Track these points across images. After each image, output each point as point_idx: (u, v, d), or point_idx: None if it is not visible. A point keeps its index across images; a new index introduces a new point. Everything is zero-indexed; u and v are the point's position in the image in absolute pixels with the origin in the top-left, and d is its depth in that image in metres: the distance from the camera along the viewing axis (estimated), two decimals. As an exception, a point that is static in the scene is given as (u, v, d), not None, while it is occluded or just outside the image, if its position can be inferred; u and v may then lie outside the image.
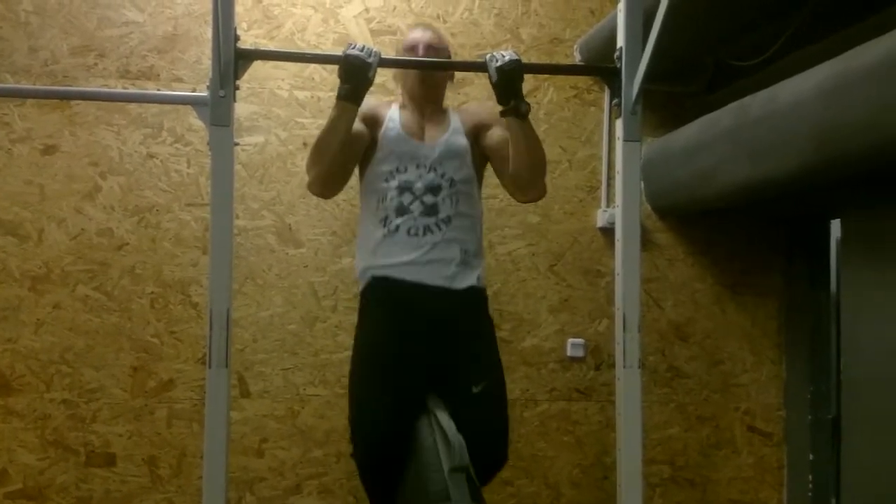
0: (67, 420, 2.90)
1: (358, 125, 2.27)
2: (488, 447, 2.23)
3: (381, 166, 2.31)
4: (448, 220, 2.26)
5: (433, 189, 2.27)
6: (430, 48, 2.38)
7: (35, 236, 2.91)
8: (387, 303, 2.27)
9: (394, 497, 2.19)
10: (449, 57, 2.51)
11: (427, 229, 2.24)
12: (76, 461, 2.90)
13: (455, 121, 2.39)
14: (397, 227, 2.25)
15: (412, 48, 2.39)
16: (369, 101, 2.29)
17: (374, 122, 2.35)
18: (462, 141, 2.36)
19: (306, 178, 2.98)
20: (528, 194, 2.36)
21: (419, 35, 2.42)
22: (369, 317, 2.31)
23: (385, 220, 2.27)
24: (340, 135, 2.19)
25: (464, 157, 2.34)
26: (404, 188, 2.27)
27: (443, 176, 2.29)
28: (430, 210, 2.26)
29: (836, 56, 2.16)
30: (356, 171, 2.41)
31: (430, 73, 2.37)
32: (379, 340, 2.26)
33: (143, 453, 2.93)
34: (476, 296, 2.32)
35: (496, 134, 2.36)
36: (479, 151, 2.40)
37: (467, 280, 2.27)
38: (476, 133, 2.39)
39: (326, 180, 2.31)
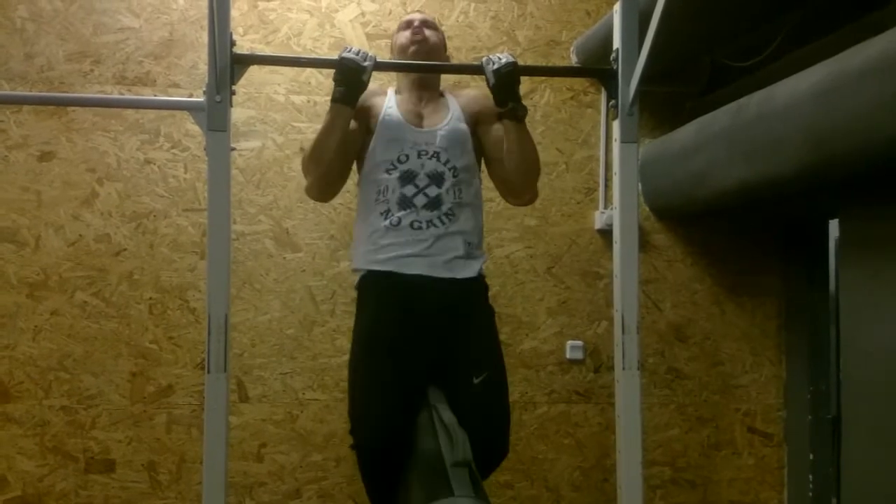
0: (66, 426, 2.90)
1: (351, 123, 2.23)
2: (489, 440, 2.18)
3: (381, 155, 2.24)
4: (452, 213, 2.21)
5: (436, 179, 2.21)
6: (426, 23, 2.37)
7: (32, 243, 2.91)
8: (385, 295, 2.21)
9: (395, 492, 2.17)
10: (443, 36, 2.47)
11: (430, 223, 2.19)
12: (75, 468, 2.89)
13: (454, 106, 2.35)
14: (399, 220, 2.19)
15: (408, 23, 2.37)
16: (371, 97, 2.29)
17: (367, 112, 2.30)
18: (463, 127, 2.30)
19: (303, 183, 3.01)
20: (519, 198, 2.34)
21: (415, 14, 2.43)
22: (367, 309, 2.25)
23: (387, 213, 2.20)
24: (336, 138, 2.17)
25: (465, 144, 2.29)
26: (406, 178, 2.21)
27: (446, 163, 2.23)
28: (434, 203, 2.20)
29: (832, 56, 2.16)
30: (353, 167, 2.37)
31: (426, 50, 2.32)
32: (377, 334, 2.19)
33: (142, 459, 2.92)
34: (476, 285, 2.27)
35: (494, 131, 2.32)
36: (477, 141, 2.35)
37: (469, 271, 2.23)
38: (475, 122, 2.35)
39: (324, 184, 2.28)
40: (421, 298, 2.18)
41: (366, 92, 2.25)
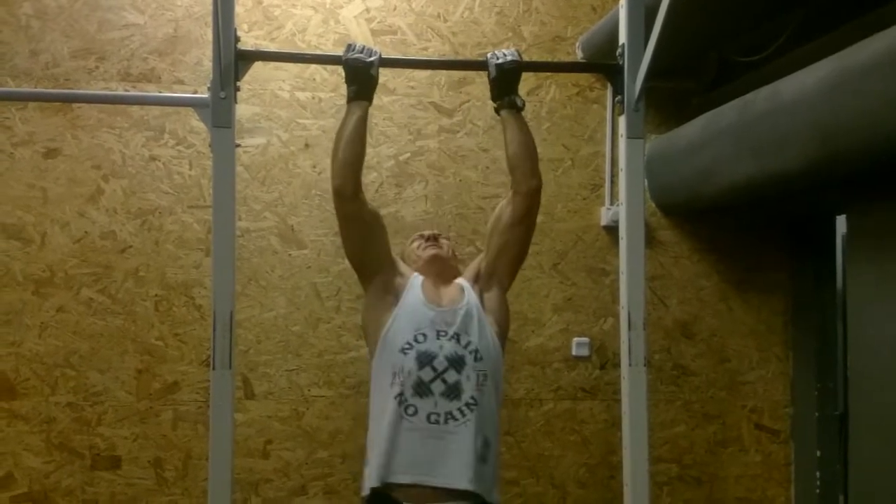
0: (72, 423, 2.90)
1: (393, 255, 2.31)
2: None
3: (397, 334, 2.14)
4: (473, 405, 2.06)
5: (456, 363, 2.08)
6: (436, 235, 2.45)
7: (38, 240, 2.91)
8: None
9: None
10: (453, 249, 2.49)
11: (449, 416, 2.04)
12: (81, 464, 2.90)
13: (468, 288, 2.28)
14: (416, 410, 2.04)
15: (420, 235, 2.45)
16: (401, 264, 2.33)
17: (401, 274, 2.29)
18: (475, 297, 2.25)
19: (308, 179, 3.03)
20: (530, 182, 2.25)
21: (425, 231, 2.51)
22: None
23: (401, 398, 2.05)
24: (355, 125, 2.18)
25: (482, 319, 2.20)
26: (424, 361, 2.08)
27: (466, 346, 2.11)
28: (453, 391, 2.06)
29: (839, 51, 2.15)
30: (366, 331, 2.31)
31: (438, 259, 2.35)
32: None
33: (148, 456, 2.92)
34: None
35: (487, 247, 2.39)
36: (492, 296, 2.30)
37: (482, 485, 2.04)
38: (476, 274, 2.35)
39: (342, 167, 2.18)
40: None
41: (400, 267, 2.31)
